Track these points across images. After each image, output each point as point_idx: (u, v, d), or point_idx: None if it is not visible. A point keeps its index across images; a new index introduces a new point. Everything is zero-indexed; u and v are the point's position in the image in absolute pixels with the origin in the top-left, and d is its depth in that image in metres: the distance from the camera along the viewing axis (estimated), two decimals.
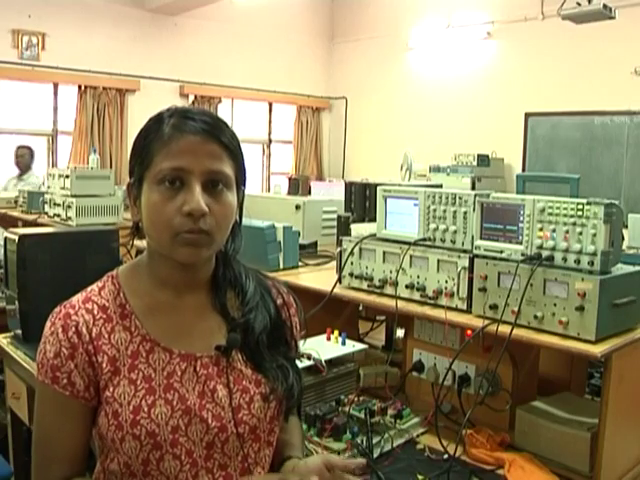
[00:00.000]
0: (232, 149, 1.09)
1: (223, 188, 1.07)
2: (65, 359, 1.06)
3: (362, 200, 2.84)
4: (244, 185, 1.15)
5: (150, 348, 1.08)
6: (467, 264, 1.72)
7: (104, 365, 1.06)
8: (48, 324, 1.10)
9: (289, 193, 3.93)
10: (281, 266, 2.35)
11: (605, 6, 4.59)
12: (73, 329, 1.07)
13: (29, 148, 6.18)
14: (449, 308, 1.74)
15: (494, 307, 1.63)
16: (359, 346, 1.95)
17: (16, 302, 2.25)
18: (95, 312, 1.09)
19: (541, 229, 1.58)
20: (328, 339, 1.96)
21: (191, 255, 1.06)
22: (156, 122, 1.09)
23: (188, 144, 1.05)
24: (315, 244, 2.74)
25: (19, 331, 2.26)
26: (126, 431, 1.03)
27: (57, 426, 1.08)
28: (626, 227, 3.43)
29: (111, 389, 1.06)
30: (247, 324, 1.14)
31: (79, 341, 1.06)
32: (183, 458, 1.05)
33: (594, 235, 1.49)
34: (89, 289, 1.14)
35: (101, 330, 1.08)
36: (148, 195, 1.06)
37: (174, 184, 1.04)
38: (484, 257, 1.68)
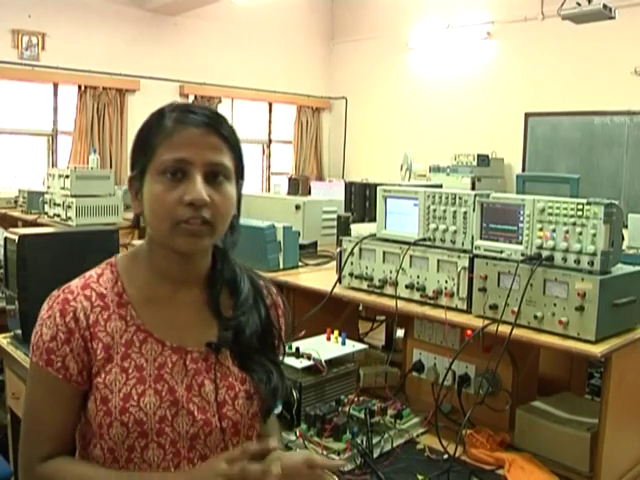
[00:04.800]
0: (232, 142, 1.12)
1: (223, 179, 1.10)
2: (61, 343, 1.08)
3: (362, 200, 2.84)
4: (242, 179, 1.17)
5: (144, 338, 1.11)
6: (467, 264, 1.72)
7: (98, 352, 1.09)
8: (45, 307, 1.12)
9: (289, 193, 3.93)
10: (281, 266, 2.35)
11: (605, 6, 4.59)
12: (71, 314, 1.09)
13: None
14: (449, 308, 1.74)
15: (494, 307, 1.63)
16: (359, 346, 1.95)
17: (16, 302, 2.25)
18: (93, 299, 1.11)
19: (541, 229, 1.58)
20: (328, 339, 1.95)
21: (191, 244, 1.09)
22: (158, 116, 1.12)
23: (190, 136, 1.07)
24: (315, 244, 2.74)
25: (19, 331, 2.26)
26: (114, 417, 1.06)
27: (47, 406, 1.11)
28: (626, 227, 3.43)
29: (103, 375, 1.08)
30: (238, 326, 1.17)
31: (76, 326, 1.08)
32: (167, 447, 1.08)
33: (594, 235, 1.49)
34: (87, 275, 1.16)
35: (98, 317, 1.10)
36: (150, 186, 1.08)
37: (176, 175, 1.07)
38: (484, 257, 1.68)
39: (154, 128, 1.10)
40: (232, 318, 1.17)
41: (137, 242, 1.27)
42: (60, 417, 1.10)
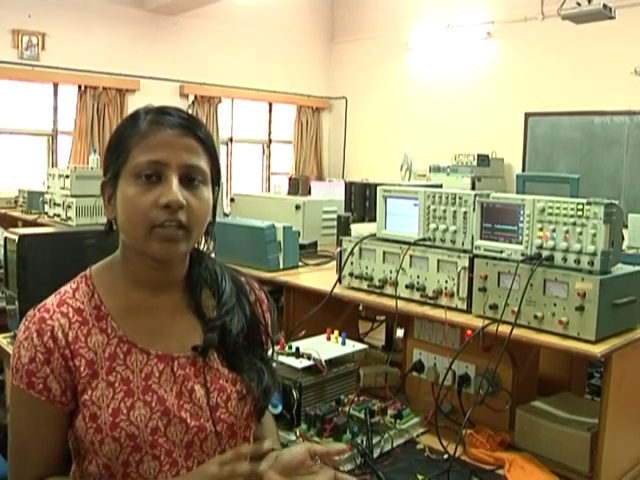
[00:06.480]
0: (208, 144, 1.10)
1: (199, 183, 1.07)
2: (41, 364, 1.04)
3: (362, 200, 2.84)
4: (218, 185, 1.15)
5: (127, 350, 1.08)
6: (467, 264, 1.72)
7: (82, 369, 1.05)
8: (22, 328, 1.07)
9: (289, 193, 3.94)
10: (281, 266, 2.34)
11: (605, 6, 4.59)
12: (48, 334, 1.05)
13: None
14: (449, 308, 1.74)
15: (494, 307, 1.63)
16: (359, 346, 1.95)
17: (16, 302, 2.25)
18: (70, 315, 1.07)
19: (541, 229, 1.58)
20: (328, 339, 1.95)
21: (167, 250, 1.05)
22: (132, 119, 1.09)
23: (165, 137, 1.05)
24: (315, 244, 2.74)
25: None
26: (105, 434, 1.03)
27: (33, 430, 1.07)
28: (626, 227, 3.43)
29: (89, 392, 1.05)
30: (224, 326, 1.14)
31: (55, 346, 1.04)
32: (163, 458, 1.05)
33: (594, 235, 1.49)
34: (62, 291, 1.12)
35: (77, 334, 1.06)
36: (124, 190, 1.05)
37: (150, 178, 1.04)
38: (484, 257, 1.68)
39: (128, 130, 1.07)
40: (216, 319, 1.14)
41: None
42: (47, 439, 1.07)
